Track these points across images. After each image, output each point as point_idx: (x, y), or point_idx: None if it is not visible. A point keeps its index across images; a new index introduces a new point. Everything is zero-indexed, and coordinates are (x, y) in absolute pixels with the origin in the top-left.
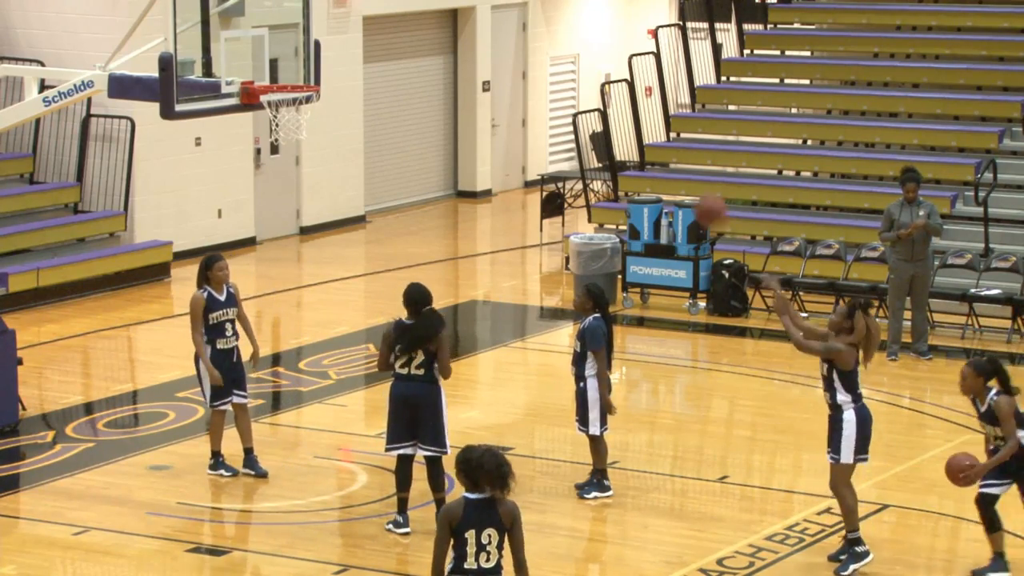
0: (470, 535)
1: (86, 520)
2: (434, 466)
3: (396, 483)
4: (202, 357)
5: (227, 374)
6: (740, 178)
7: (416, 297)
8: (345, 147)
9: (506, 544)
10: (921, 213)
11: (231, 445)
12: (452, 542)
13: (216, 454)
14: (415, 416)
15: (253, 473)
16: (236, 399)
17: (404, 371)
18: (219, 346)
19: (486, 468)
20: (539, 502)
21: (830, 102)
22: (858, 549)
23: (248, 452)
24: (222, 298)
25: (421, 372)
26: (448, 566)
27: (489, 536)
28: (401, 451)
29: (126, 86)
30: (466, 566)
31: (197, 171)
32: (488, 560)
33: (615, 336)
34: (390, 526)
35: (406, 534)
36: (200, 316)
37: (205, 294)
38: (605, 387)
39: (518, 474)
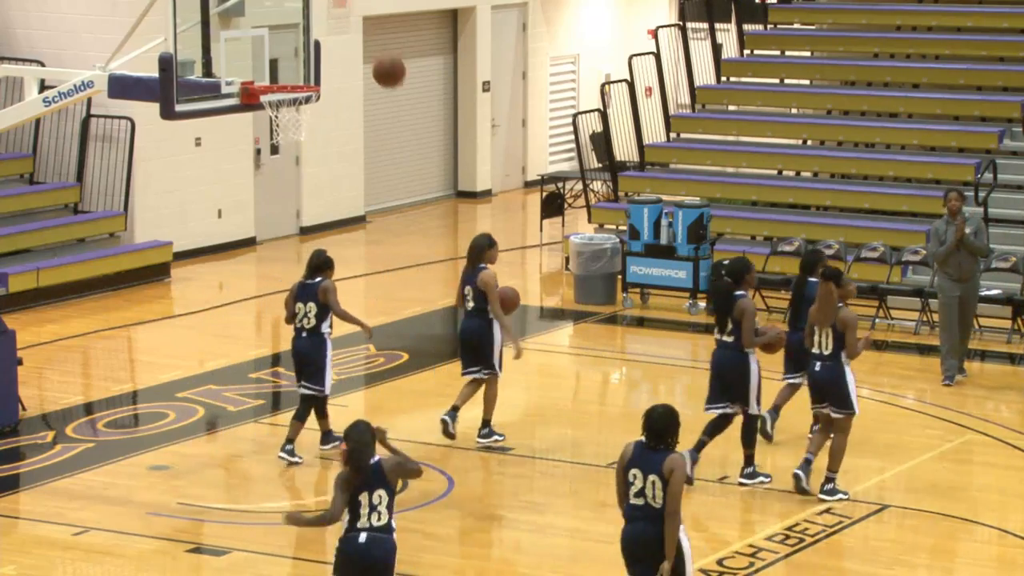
0: (363, 498)
1: (86, 520)
2: (746, 426)
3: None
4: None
5: None
6: (740, 178)
7: (728, 269)
8: (345, 147)
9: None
10: (968, 230)
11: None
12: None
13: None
14: (722, 380)
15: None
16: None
17: (718, 336)
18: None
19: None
20: (539, 502)
21: (830, 102)
22: None
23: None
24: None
25: (730, 340)
26: (344, 527)
27: (380, 497)
28: (713, 411)
29: (126, 86)
30: (358, 525)
31: (197, 171)
32: (380, 519)
33: (619, 337)
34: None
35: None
36: (497, 291)
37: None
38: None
39: (518, 473)
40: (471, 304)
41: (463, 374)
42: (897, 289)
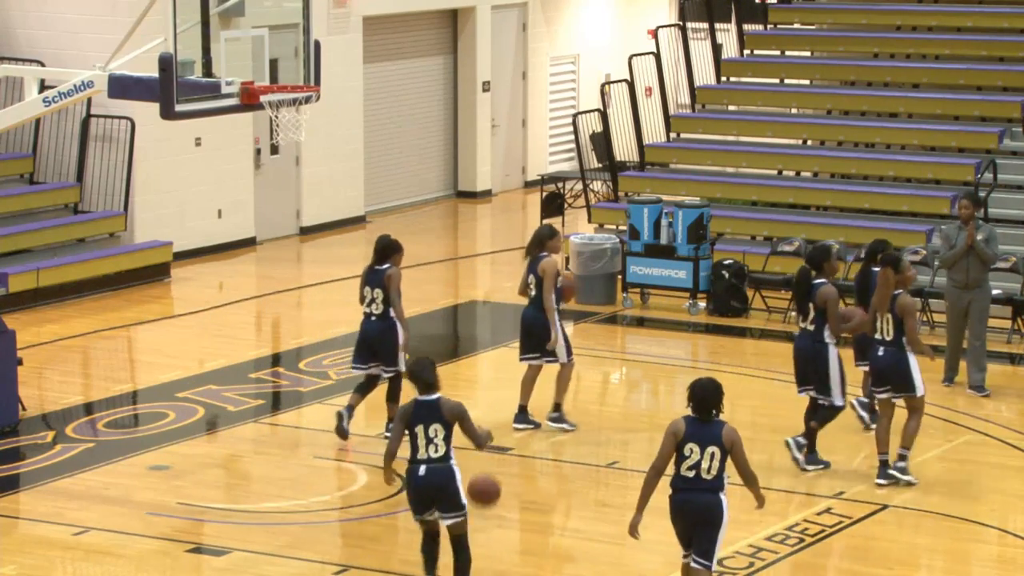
0: (419, 430)
1: (86, 520)
2: (825, 411)
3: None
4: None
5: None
6: (740, 178)
7: (808, 256)
8: (345, 147)
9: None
10: (979, 237)
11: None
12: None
13: (558, 406)
14: (803, 367)
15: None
16: None
17: (801, 324)
18: (559, 307)
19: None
20: (539, 502)
21: (830, 102)
22: None
23: (558, 406)
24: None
25: (811, 328)
26: (408, 459)
27: (435, 431)
28: (803, 393)
29: (126, 86)
30: (418, 456)
31: (197, 171)
32: (436, 451)
33: (619, 337)
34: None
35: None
36: (555, 279)
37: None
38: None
39: (518, 473)
40: (533, 292)
41: (521, 359)
42: None
